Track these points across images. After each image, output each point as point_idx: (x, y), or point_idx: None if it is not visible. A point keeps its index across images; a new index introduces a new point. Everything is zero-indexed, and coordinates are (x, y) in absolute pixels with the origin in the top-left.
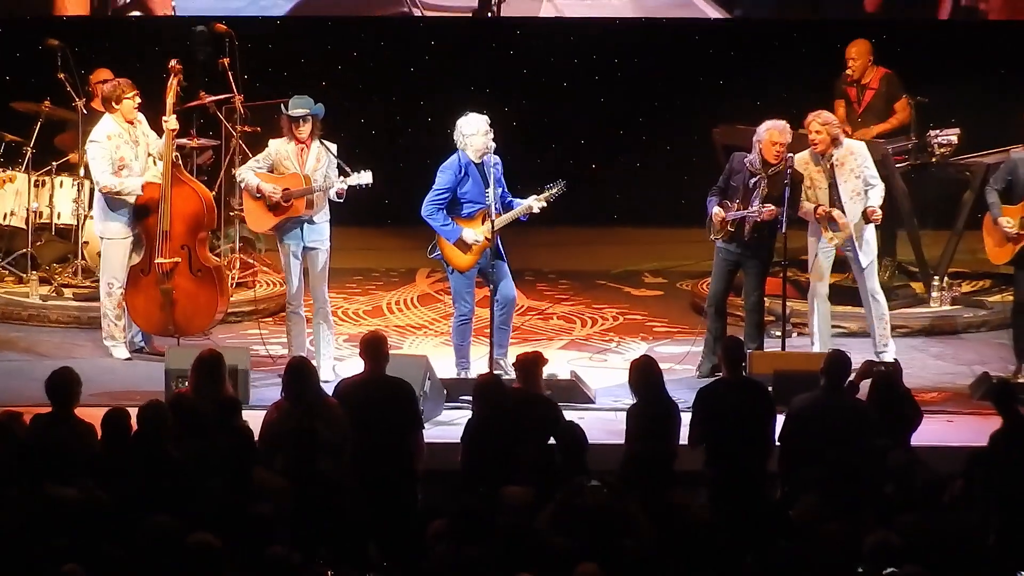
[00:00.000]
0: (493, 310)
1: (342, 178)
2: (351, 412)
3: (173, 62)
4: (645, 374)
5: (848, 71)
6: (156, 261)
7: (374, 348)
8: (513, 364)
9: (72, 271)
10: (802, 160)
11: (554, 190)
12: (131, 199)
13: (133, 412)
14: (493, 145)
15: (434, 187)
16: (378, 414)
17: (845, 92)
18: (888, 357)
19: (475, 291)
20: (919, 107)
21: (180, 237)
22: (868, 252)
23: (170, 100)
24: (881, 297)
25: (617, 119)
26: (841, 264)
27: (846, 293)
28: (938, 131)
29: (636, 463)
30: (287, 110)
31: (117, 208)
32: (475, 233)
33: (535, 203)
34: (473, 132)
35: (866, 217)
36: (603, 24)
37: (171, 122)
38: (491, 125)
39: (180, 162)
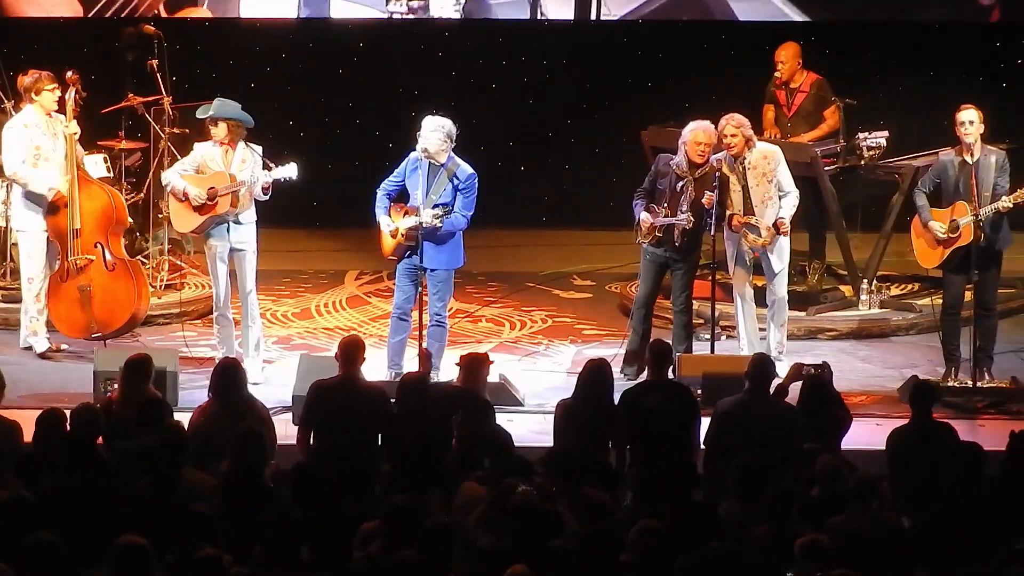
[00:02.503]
0: (421, 320)
1: (267, 172)
2: (321, 413)
3: (69, 73)
4: (591, 376)
5: (777, 74)
6: (70, 259)
7: (345, 352)
8: (457, 363)
9: (0, 273)
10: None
11: (440, 213)
12: (46, 194)
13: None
14: (429, 147)
15: None
16: (347, 417)
17: (775, 96)
18: (783, 367)
19: (414, 290)
20: (847, 110)
21: (92, 235)
22: (780, 258)
23: (69, 107)
24: (785, 304)
25: (545, 120)
26: (760, 266)
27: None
28: (867, 134)
29: (562, 460)
30: (200, 114)
31: (35, 200)
32: (388, 221)
33: (424, 217)
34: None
35: (776, 228)
36: (531, 25)
37: (72, 127)
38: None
39: (109, 163)
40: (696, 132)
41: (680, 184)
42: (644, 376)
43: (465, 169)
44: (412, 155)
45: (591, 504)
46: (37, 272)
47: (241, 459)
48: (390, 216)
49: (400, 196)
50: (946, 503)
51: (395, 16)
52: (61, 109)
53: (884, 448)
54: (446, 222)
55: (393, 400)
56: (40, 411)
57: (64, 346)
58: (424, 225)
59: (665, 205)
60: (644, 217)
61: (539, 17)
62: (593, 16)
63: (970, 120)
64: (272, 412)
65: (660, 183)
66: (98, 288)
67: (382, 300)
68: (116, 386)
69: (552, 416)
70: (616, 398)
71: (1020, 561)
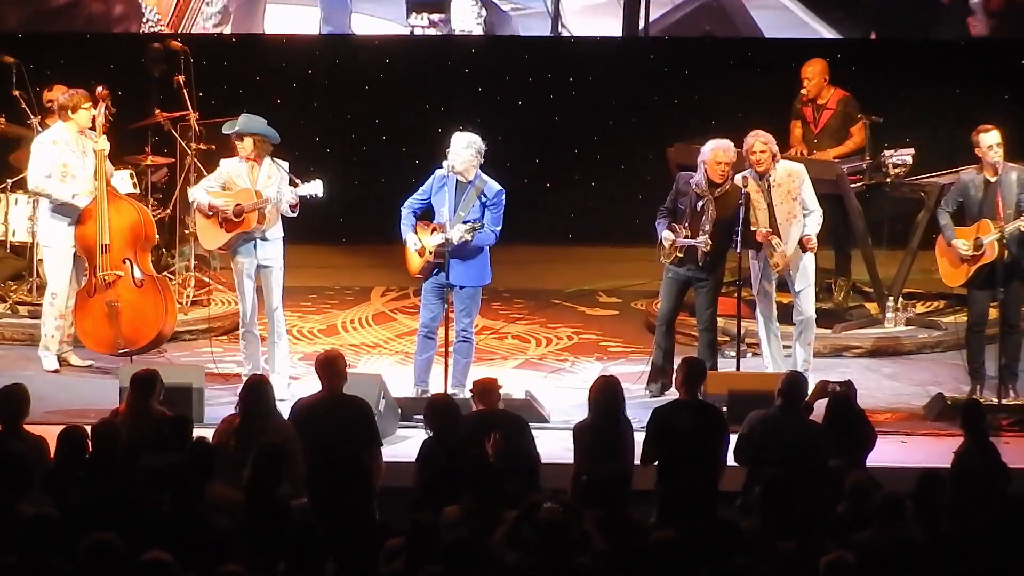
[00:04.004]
0: (447, 336)
1: (293, 189)
2: (308, 431)
3: (100, 89)
4: (604, 393)
5: (803, 91)
6: (98, 274)
7: (330, 366)
8: (471, 390)
9: (27, 288)
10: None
11: (477, 226)
12: (77, 203)
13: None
14: (458, 164)
15: None
16: (335, 432)
17: (801, 113)
18: (809, 384)
19: (441, 307)
20: (874, 127)
21: (121, 250)
22: (804, 277)
23: (99, 122)
24: (813, 324)
25: (571, 137)
26: (786, 284)
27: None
28: (893, 151)
29: (595, 481)
30: (226, 129)
31: (61, 216)
32: (415, 239)
33: (454, 234)
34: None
35: (802, 246)
36: (557, 41)
37: (101, 142)
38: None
39: (135, 179)
40: (716, 151)
41: (700, 204)
42: (668, 392)
43: (493, 186)
44: (438, 172)
45: (619, 521)
46: (62, 288)
47: (260, 474)
48: (416, 234)
49: (424, 214)
50: (972, 519)
51: (416, 30)
52: (92, 126)
53: (911, 465)
54: (476, 237)
55: (422, 418)
56: (63, 426)
57: (91, 362)
58: (455, 241)
59: (686, 225)
60: (666, 235)
61: (560, 31)
62: (641, 30)
63: (997, 143)
64: None
65: (680, 202)
66: (126, 304)
67: (408, 316)
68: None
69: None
70: (645, 416)
71: None
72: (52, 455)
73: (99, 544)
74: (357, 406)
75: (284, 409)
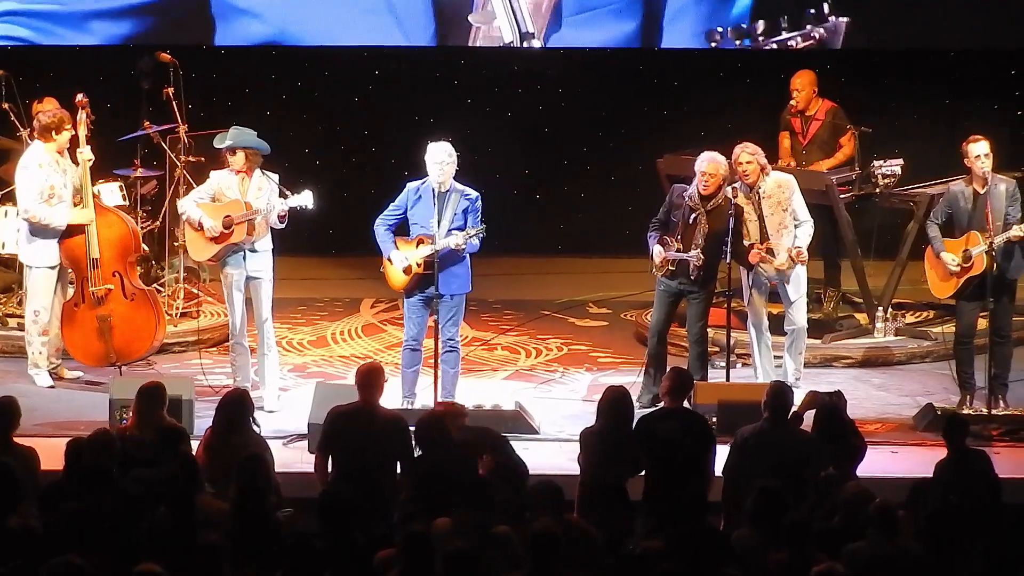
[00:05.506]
0: (436, 347)
1: (283, 200)
2: (337, 439)
3: (79, 96)
4: (615, 402)
5: (792, 102)
6: (90, 289)
7: (364, 379)
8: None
9: (16, 301)
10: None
11: (473, 232)
12: (58, 228)
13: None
14: (443, 175)
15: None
16: (364, 443)
17: (790, 124)
18: (800, 394)
19: (425, 320)
20: (863, 137)
21: (111, 263)
22: (797, 287)
23: (82, 132)
24: (804, 334)
25: (561, 148)
26: (777, 295)
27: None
28: (882, 162)
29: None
30: (217, 143)
31: (44, 236)
32: (402, 255)
33: (452, 241)
34: (428, 159)
35: (792, 260)
36: (546, 53)
37: (87, 152)
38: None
39: (124, 191)
40: (701, 163)
41: (693, 217)
42: (659, 404)
43: (470, 191)
44: (411, 185)
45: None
46: (44, 306)
47: (246, 486)
48: (400, 250)
49: (398, 228)
50: (966, 530)
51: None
52: (74, 143)
53: (901, 476)
54: (470, 244)
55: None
56: (53, 438)
57: (79, 374)
58: (459, 245)
59: (678, 237)
60: (657, 251)
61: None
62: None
63: (985, 153)
64: (287, 440)
65: (674, 215)
66: (118, 318)
67: (397, 328)
68: (130, 414)
69: (566, 445)
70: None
71: None
72: (41, 467)
73: (64, 567)
74: (390, 419)
75: (277, 419)
